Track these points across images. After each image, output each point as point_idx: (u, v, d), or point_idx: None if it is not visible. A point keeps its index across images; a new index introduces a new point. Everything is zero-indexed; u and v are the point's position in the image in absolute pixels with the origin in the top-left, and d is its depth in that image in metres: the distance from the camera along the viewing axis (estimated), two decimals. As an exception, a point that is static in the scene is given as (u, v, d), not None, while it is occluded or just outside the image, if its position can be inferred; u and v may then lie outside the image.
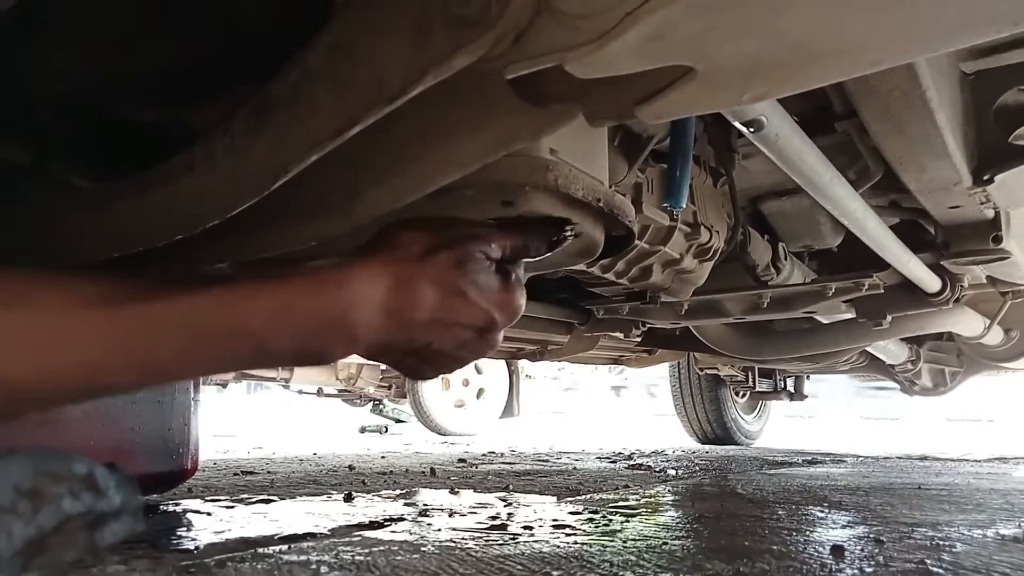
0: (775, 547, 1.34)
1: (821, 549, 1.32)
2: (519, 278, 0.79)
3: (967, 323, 2.78)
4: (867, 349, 3.12)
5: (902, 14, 0.58)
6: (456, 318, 0.72)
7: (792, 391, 5.15)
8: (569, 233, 0.90)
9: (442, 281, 0.71)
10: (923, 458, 4.05)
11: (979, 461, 3.85)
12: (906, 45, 0.63)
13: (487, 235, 0.77)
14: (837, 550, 1.29)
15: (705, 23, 0.58)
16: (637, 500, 2.06)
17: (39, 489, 0.48)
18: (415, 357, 0.76)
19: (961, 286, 2.34)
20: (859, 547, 1.35)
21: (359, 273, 0.69)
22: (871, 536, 1.45)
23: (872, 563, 1.22)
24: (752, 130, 1.03)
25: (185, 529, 1.55)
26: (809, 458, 4.01)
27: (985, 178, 1.52)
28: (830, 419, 10.77)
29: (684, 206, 1.41)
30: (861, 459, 3.99)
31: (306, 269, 0.71)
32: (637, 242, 1.55)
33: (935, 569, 1.17)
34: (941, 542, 1.39)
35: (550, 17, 0.61)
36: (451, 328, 0.73)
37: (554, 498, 2.11)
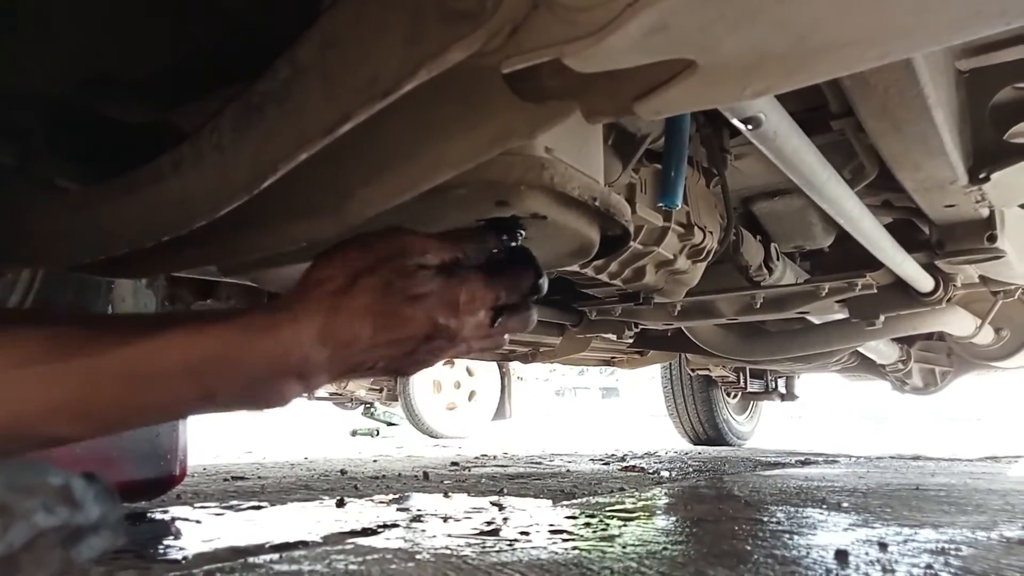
0: (777, 552, 1.33)
1: (824, 553, 1.31)
2: (463, 276, 0.77)
3: (959, 323, 2.78)
4: (858, 349, 3.12)
5: (910, 5, 0.56)
6: (397, 335, 0.73)
7: (783, 392, 5.16)
8: (521, 236, 0.88)
9: (370, 306, 0.71)
10: (916, 458, 4.05)
11: (972, 461, 3.85)
12: (913, 37, 0.61)
13: (418, 246, 0.76)
14: (841, 555, 1.27)
15: (708, 14, 0.56)
16: (633, 503, 2.04)
17: (9, 504, 0.46)
18: (382, 369, 0.77)
19: (954, 285, 2.34)
20: (863, 551, 1.33)
21: (287, 316, 0.69)
22: (874, 539, 1.44)
23: (878, 567, 1.21)
24: (750, 127, 1.01)
25: (173, 538, 1.52)
26: (802, 459, 4.01)
27: (981, 176, 1.51)
28: (819, 418, 10.81)
29: (679, 205, 1.39)
30: (855, 459, 3.99)
31: (244, 312, 0.70)
32: (631, 243, 1.53)
33: (943, 574, 1.15)
34: (946, 545, 1.38)
35: (547, 10, 0.59)
36: (398, 344, 0.73)
37: (549, 502, 2.09)
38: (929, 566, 1.21)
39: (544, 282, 0.83)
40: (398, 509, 1.94)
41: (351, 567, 1.18)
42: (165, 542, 1.45)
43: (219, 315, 0.69)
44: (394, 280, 0.73)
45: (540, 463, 3.74)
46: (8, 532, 0.45)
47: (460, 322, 0.76)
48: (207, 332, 0.66)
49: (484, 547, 1.36)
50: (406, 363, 0.77)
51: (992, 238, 1.82)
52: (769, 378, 5.08)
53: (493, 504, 2.04)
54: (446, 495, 2.26)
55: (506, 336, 0.83)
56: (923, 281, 2.18)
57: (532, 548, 1.35)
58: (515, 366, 6.91)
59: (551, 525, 1.62)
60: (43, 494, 0.48)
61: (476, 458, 4.07)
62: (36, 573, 0.46)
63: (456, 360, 6.55)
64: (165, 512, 1.85)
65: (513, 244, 0.87)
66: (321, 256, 0.76)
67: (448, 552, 1.31)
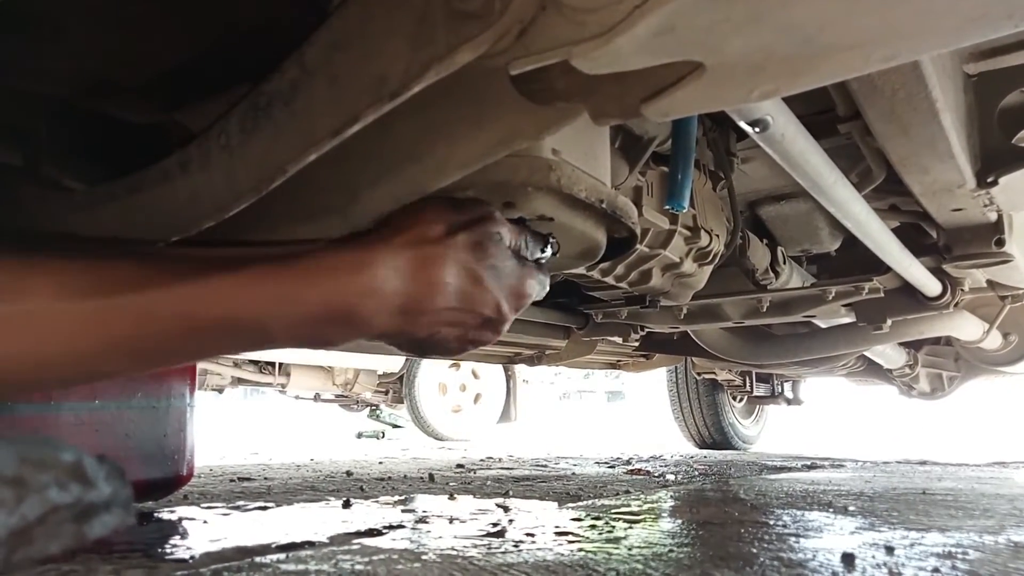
0: (783, 554, 1.32)
1: (831, 557, 1.30)
2: (532, 265, 0.76)
3: (966, 327, 2.77)
4: (865, 353, 3.11)
5: (918, 6, 0.56)
6: (470, 306, 0.69)
7: (790, 396, 5.15)
8: (551, 249, 0.88)
9: (462, 265, 0.68)
10: (923, 463, 4.04)
11: (979, 465, 3.83)
12: (920, 40, 0.61)
13: (500, 219, 0.74)
14: (848, 558, 1.27)
15: (715, 16, 0.56)
16: (639, 506, 2.04)
17: (23, 477, 0.46)
18: (416, 346, 0.73)
19: (961, 290, 2.33)
20: (870, 554, 1.33)
21: (379, 257, 0.65)
22: (881, 543, 1.43)
23: (884, 571, 1.20)
24: (757, 130, 1.01)
25: (180, 537, 1.52)
26: (808, 463, 4.00)
27: (989, 180, 1.51)
28: (822, 422, 10.77)
29: (686, 208, 1.39)
30: (861, 463, 3.97)
31: (319, 248, 0.67)
32: (637, 245, 1.53)
33: (949, 577, 1.15)
34: (953, 549, 1.38)
35: (555, 11, 0.59)
36: (462, 316, 0.70)
37: (555, 504, 2.09)
38: (936, 570, 1.20)
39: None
40: (404, 510, 1.94)
41: (357, 567, 1.18)
42: (172, 541, 1.46)
43: (294, 250, 0.65)
44: (487, 245, 0.70)
45: (545, 466, 3.74)
46: (22, 505, 0.45)
47: (510, 312, 0.73)
48: (283, 272, 0.62)
49: (490, 548, 1.36)
50: (441, 347, 0.72)
51: (1000, 242, 1.81)
52: (775, 382, 5.07)
53: (499, 506, 2.04)
54: (452, 497, 2.26)
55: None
56: (930, 285, 2.18)
57: (538, 549, 1.35)
58: (520, 369, 6.91)
59: (557, 527, 1.62)
60: (56, 470, 0.48)
61: (481, 460, 4.07)
62: (49, 547, 0.47)
63: (462, 363, 6.55)
64: (172, 512, 1.86)
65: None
66: (406, 207, 0.72)
67: (454, 553, 1.31)
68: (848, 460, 4.25)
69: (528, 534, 1.53)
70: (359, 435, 7.44)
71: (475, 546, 1.38)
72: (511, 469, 3.49)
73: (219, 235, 0.81)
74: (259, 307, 0.61)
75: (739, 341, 3.05)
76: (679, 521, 1.79)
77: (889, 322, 2.46)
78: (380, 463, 3.83)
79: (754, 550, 1.36)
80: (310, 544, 1.40)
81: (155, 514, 1.81)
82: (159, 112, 1.06)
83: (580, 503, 2.12)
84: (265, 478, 2.88)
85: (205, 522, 1.71)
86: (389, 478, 2.94)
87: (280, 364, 6.15)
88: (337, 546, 1.37)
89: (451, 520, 1.74)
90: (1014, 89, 1.45)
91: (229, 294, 0.60)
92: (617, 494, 2.37)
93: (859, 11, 0.58)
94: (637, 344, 3.17)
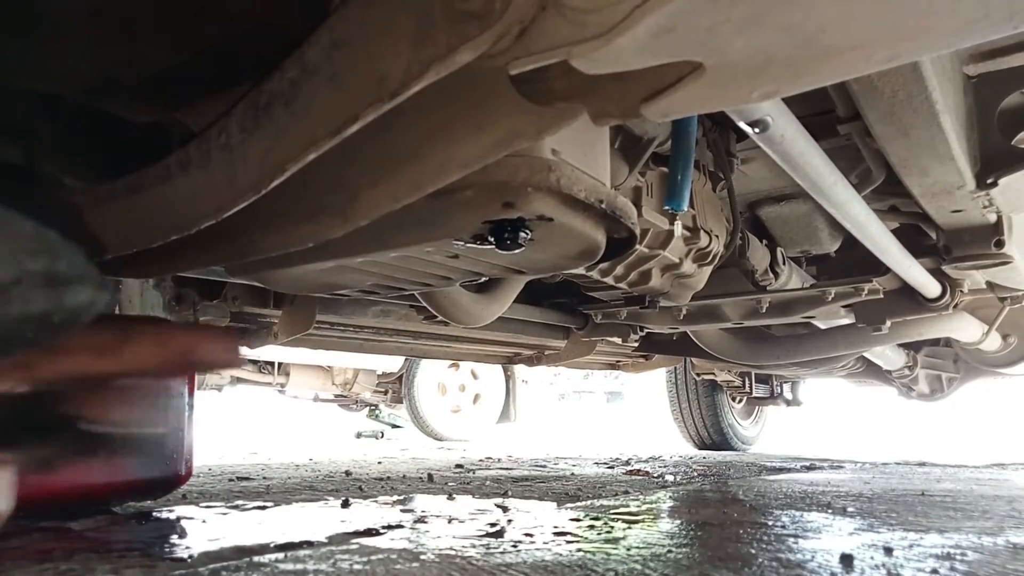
0: (782, 555, 1.32)
1: (829, 557, 1.30)
2: None
3: (966, 329, 2.77)
4: (864, 354, 3.11)
5: (918, 7, 0.56)
6: None
7: (789, 397, 5.15)
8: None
9: None
10: (922, 464, 4.04)
11: (979, 467, 3.83)
12: (920, 40, 0.61)
13: None
14: (846, 559, 1.27)
15: (716, 16, 0.56)
16: (638, 506, 2.04)
17: None
18: None
19: (961, 291, 2.33)
20: (868, 555, 1.33)
21: None
22: (879, 544, 1.43)
23: (883, 571, 1.20)
24: (757, 131, 1.01)
25: (178, 536, 1.52)
26: (808, 464, 4.00)
27: (989, 182, 1.51)
28: (822, 423, 10.77)
29: (685, 208, 1.39)
30: (860, 465, 3.97)
31: None
32: (637, 246, 1.53)
33: (946, 578, 1.15)
34: (952, 550, 1.38)
35: (555, 12, 0.59)
36: None
37: (553, 504, 2.09)
38: (935, 571, 1.20)
39: None
40: (403, 510, 1.94)
41: (356, 567, 1.18)
42: (171, 540, 1.46)
43: None
44: None
45: (544, 466, 3.74)
46: None
47: None
48: None
49: (488, 548, 1.36)
50: None
51: (1000, 243, 1.82)
52: (775, 383, 5.07)
53: (497, 506, 2.04)
54: (450, 497, 2.25)
55: None
56: (930, 286, 2.18)
57: (536, 550, 1.35)
58: (520, 369, 6.91)
59: (555, 527, 1.62)
60: (20, 239, 0.47)
61: (480, 460, 4.07)
62: (28, 308, 0.46)
63: (461, 363, 6.55)
64: (171, 511, 1.85)
65: None
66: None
67: (452, 553, 1.31)
68: (847, 461, 4.25)
69: (527, 534, 1.53)
70: (358, 435, 7.44)
71: (474, 546, 1.38)
72: (510, 469, 3.49)
73: (218, 234, 0.81)
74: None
75: (738, 342, 3.05)
76: (678, 522, 1.79)
77: (888, 323, 2.46)
78: (379, 463, 3.83)
79: (753, 551, 1.36)
80: (308, 544, 1.40)
81: (153, 513, 1.81)
82: (159, 111, 1.06)
83: (579, 503, 2.11)
84: (264, 478, 2.88)
85: (203, 521, 1.71)
86: (388, 478, 2.94)
87: (279, 364, 6.15)
88: (335, 546, 1.37)
89: (450, 520, 1.74)
90: (1014, 91, 1.45)
91: None
92: (616, 494, 2.37)
93: (860, 12, 0.58)
94: (636, 345, 3.17)
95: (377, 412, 7.52)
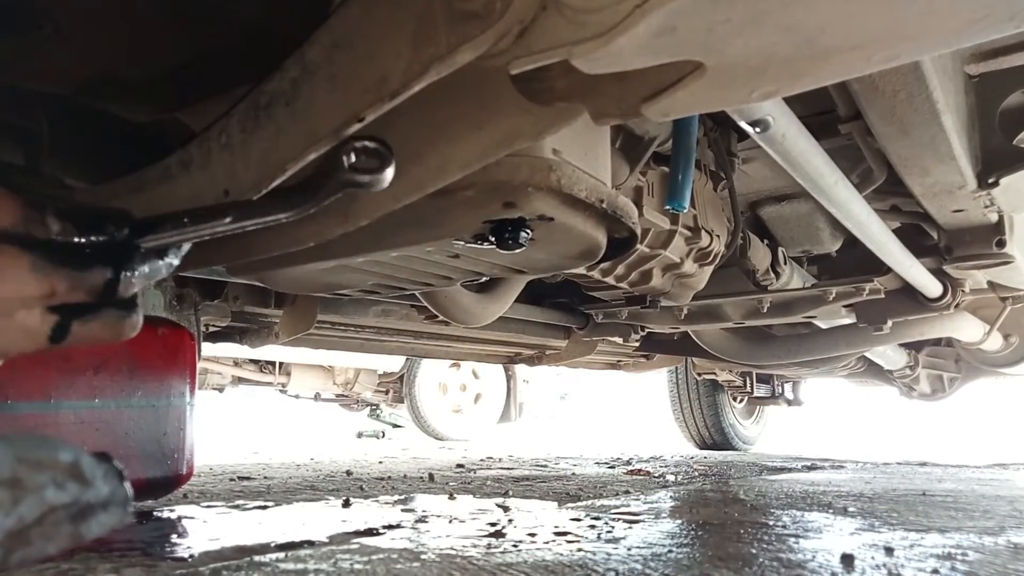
0: (783, 555, 1.32)
1: (830, 557, 1.30)
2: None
3: (967, 328, 2.77)
4: (866, 354, 3.11)
5: (918, 7, 0.56)
6: None
7: (790, 397, 5.14)
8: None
9: None
10: (923, 464, 4.03)
11: (980, 467, 3.83)
12: (921, 40, 0.61)
13: None
14: (847, 559, 1.27)
15: (716, 16, 0.56)
16: (639, 506, 2.04)
17: (20, 478, 0.45)
18: None
19: (962, 291, 2.33)
20: (869, 555, 1.33)
21: None
22: (880, 544, 1.43)
23: (884, 571, 1.20)
24: (758, 130, 1.01)
25: (179, 536, 1.52)
26: (809, 463, 3.99)
27: (990, 181, 1.51)
28: (823, 423, 10.76)
29: (687, 208, 1.39)
30: (861, 464, 3.97)
31: None
32: (638, 246, 1.53)
33: (947, 578, 1.15)
34: (953, 550, 1.38)
35: (556, 12, 0.59)
36: None
37: (554, 504, 2.09)
38: (935, 571, 1.20)
39: (129, 278, 0.59)
40: (403, 510, 1.94)
41: (356, 566, 1.18)
42: (172, 540, 1.46)
43: None
44: None
45: (545, 466, 3.74)
46: (19, 506, 0.45)
47: None
48: None
49: (489, 548, 1.36)
50: None
51: (1001, 243, 1.82)
52: (776, 383, 5.07)
53: (498, 506, 2.04)
54: (451, 496, 2.26)
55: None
56: (931, 286, 2.18)
57: (537, 549, 1.35)
58: (521, 369, 6.92)
59: (556, 527, 1.62)
60: (53, 470, 0.47)
61: (481, 460, 4.07)
62: (46, 547, 0.46)
63: (462, 363, 6.56)
64: (172, 511, 1.86)
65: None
66: None
67: (453, 553, 1.31)
68: (848, 461, 4.24)
69: (528, 534, 1.53)
70: (359, 434, 7.45)
71: (474, 546, 1.38)
72: (511, 469, 3.49)
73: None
74: None
75: (739, 341, 3.05)
76: (679, 521, 1.79)
77: (890, 323, 2.46)
78: (380, 463, 3.83)
79: (753, 551, 1.36)
80: (309, 543, 1.40)
81: (154, 513, 1.81)
82: (160, 111, 1.06)
83: (580, 503, 2.12)
84: (265, 477, 2.88)
85: (204, 521, 1.71)
86: (389, 478, 2.94)
87: (280, 363, 6.15)
88: (336, 545, 1.37)
89: (450, 520, 1.74)
90: (1015, 90, 1.45)
91: None
92: (617, 494, 2.37)
93: (860, 12, 0.58)
94: (637, 344, 3.17)
95: (378, 412, 7.53)
